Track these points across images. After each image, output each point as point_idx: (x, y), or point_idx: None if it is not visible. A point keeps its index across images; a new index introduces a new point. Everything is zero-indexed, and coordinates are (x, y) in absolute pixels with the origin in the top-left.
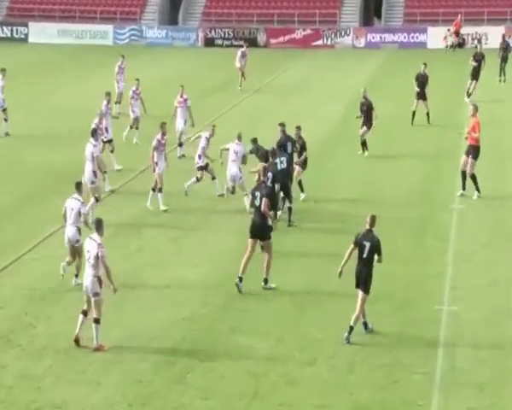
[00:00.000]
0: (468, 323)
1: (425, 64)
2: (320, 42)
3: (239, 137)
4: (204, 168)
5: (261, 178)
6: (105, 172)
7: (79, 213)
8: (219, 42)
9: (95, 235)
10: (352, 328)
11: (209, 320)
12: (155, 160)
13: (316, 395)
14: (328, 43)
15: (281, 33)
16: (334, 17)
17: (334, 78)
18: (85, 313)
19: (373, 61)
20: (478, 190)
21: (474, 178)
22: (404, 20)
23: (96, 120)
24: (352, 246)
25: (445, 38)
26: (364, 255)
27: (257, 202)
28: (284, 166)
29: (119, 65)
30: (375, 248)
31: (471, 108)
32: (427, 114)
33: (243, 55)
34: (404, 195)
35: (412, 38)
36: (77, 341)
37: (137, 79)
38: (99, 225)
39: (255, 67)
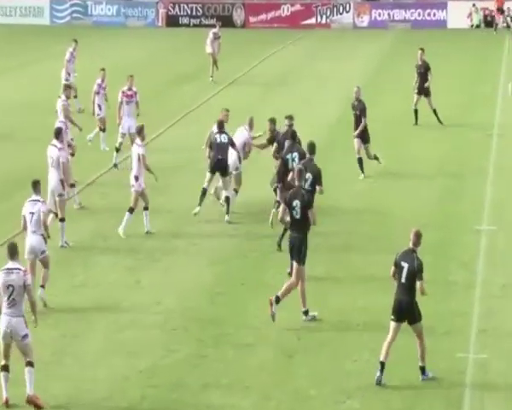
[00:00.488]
0: (499, 375)
1: (422, 49)
2: (312, 20)
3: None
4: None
5: (296, 182)
6: (72, 184)
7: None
8: (185, 21)
9: (12, 263)
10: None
11: (174, 373)
12: (136, 174)
13: None
14: (323, 21)
15: (263, 9)
16: None
17: (329, 66)
18: (6, 368)
19: (379, 44)
20: None
21: None
22: None
23: (61, 118)
24: (392, 268)
25: (470, 14)
26: (403, 280)
27: (296, 214)
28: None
29: (70, 51)
30: (415, 271)
31: None
32: (435, 111)
33: (215, 38)
34: (417, 212)
35: (429, 15)
36: (7, 403)
37: (103, 70)
38: (13, 251)
39: (231, 52)
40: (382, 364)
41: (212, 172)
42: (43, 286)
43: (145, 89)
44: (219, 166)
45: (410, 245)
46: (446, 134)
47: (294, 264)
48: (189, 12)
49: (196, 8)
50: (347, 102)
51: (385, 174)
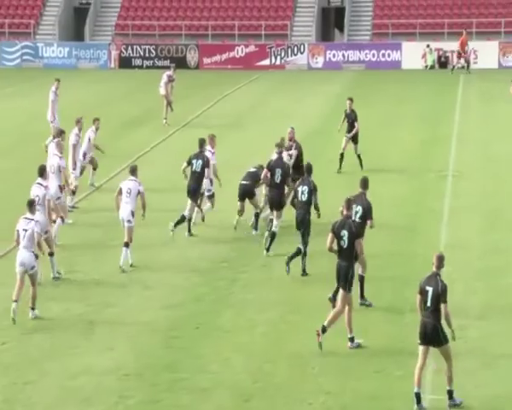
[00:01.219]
0: None
1: (351, 99)
2: (267, 61)
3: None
4: (212, 196)
5: (344, 211)
6: (54, 221)
7: (34, 234)
8: (138, 62)
9: None
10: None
11: None
12: (133, 209)
13: None
14: (278, 62)
15: (217, 51)
16: (285, 30)
17: (284, 107)
18: None
19: (333, 85)
20: None
21: None
22: (373, 34)
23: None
24: (418, 297)
25: (425, 55)
26: (428, 303)
27: (343, 243)
28: (305, 198)
29: (53, 90)
30: (439, 294)
31: None
32: (359, 157)
33: (170, 80)
34: (372, 253)
35: (383, 56)
36: None
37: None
38: None
39: (184, 94)
40: (417, 395)
41: (188, 196)
42: (33, 308)
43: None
44: (189, 191)
45: (434, 269)
46: (402, 175)
47: (341, 291)
48: (142, 53)
49: (149, 49)
50: (303, 143)
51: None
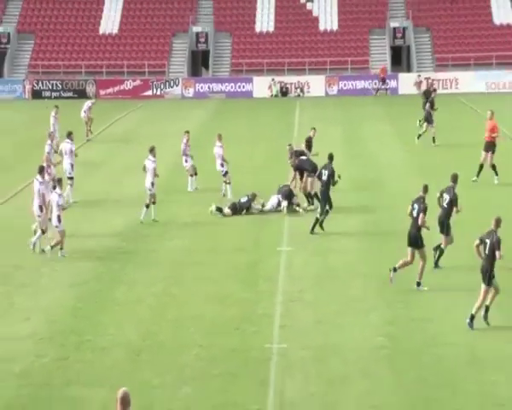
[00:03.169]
0: (296, 360)
1: (314, 129)
2: (149, 92)
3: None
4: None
5: (420, 193)
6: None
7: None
8: (47, 94)
9: None
10: (472, 316)
11: (44, 374)
12: (153, 180)
13: None
14: (158, 93)
15: (110, 84)
16: (163, 68)
17: (163, 128)
18: None
19: (202, 110)
20: (497, 174)
21: (494, 167)
22: (231, 71)
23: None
24: (477, 241)
25: (270, 86)
26: (486, 251)
27: (414, 213)
28: (325, 178)
29: (53, 115)
30: (494, 244)
31: (489, 113)
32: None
33: (90, 108)
34: (234, 240)
35: (239, 87)
36: None
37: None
38: None
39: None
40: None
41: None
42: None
43: (11, 150)
44: None
45: (492, 227)
46: (254, 183)
47: (416, 250)
48: (51, 87)
49: (56, 83)
50: (177, 157)
51: (206, 213)
